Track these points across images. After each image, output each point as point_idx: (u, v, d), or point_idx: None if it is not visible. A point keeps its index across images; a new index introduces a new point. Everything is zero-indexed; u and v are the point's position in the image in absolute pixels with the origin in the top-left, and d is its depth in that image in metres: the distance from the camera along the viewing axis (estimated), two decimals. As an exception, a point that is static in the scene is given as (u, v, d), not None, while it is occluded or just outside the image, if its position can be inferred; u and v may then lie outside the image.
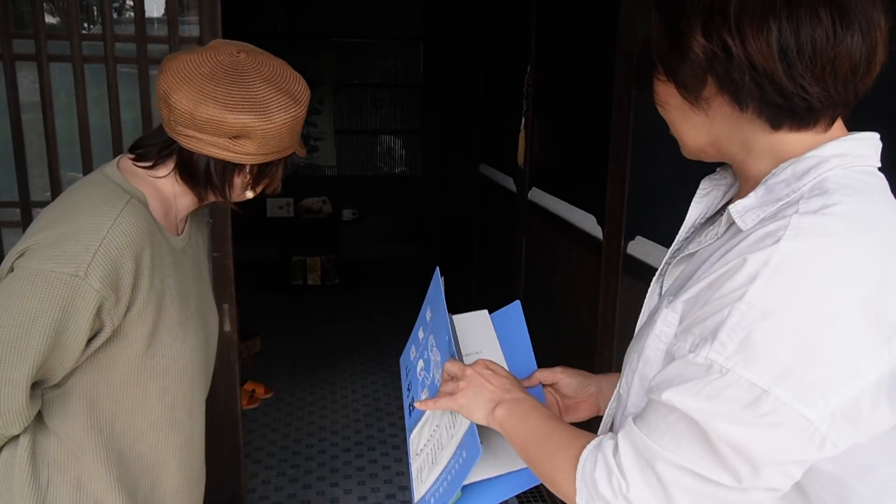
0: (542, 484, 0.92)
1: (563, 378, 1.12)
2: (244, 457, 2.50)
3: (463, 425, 0.99)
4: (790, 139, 0.76)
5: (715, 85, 0.74)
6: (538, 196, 3.18)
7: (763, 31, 0.68)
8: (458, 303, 4.46)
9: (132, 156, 1.16)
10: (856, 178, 0.73)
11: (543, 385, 1.14)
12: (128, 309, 1.09)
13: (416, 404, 1.06)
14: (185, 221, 1.26)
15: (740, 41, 0.69)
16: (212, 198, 1.20)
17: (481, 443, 0.93)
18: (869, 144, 0.76)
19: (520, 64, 3.33)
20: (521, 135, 3.28)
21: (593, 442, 0.81)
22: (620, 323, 2.34)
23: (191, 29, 2.19)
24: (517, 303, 1.27)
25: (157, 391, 1.17)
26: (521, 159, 3.30)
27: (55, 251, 1.01)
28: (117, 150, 2.21)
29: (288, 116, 1.10)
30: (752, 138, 0.78)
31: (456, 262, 4.90)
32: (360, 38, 5.88)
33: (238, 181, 1.18)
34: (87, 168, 2.24)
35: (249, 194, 1.21)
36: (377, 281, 5.78)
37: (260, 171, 1.18)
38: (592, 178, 2.53)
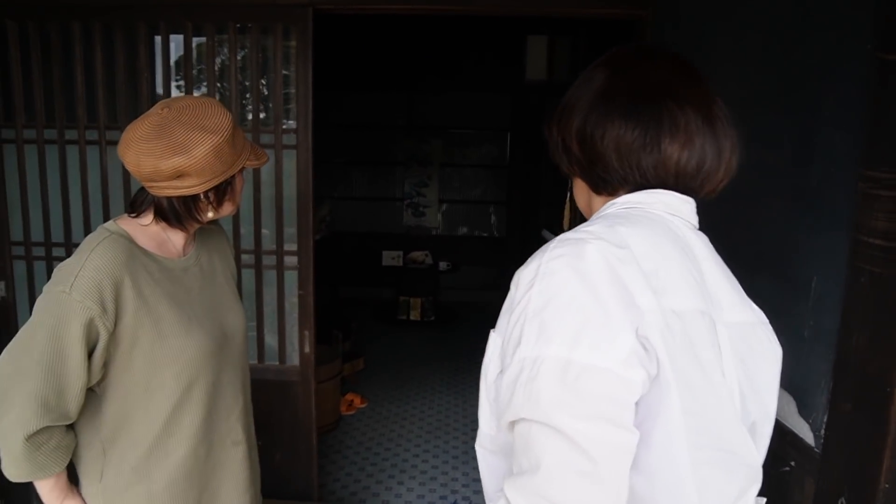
0: None
1: None
2: (317, 453, 2.48)
3: None
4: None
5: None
6: (578, 256, 3.05)
7: (569, 122, 0.78)
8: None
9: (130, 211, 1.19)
10: (628, 213, 0.74)
11: None
12: (118, 315, 1.08)
13: None
14: (191, 246, 1.25)
15: (557, 128, 0.80)
16: (193, 224, 1.19)
17: None
18: (656, 197, 0.75)
19: (568, 148, 3.26)
20: (567, 205, 3.17)
21: None
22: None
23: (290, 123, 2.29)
24: None
25: (173, 375, 1.16)
26: (565, 225, 3.19)
27: (56, 277, 1.07)
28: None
29: (206, 148, 1.07)
30: (592, 201, 0.82)
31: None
32: (461, 129, 5.97)
33: (202, 207, 1.16)
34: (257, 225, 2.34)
35: (213, 214, 1.18)
36: (466, 320, 5.71)
37: (217, 194, 1.16)
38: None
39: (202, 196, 1.14)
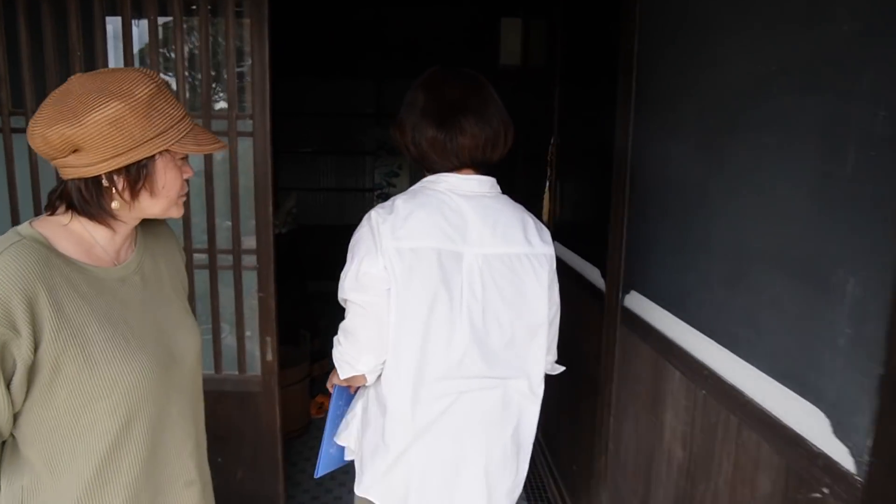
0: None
1: None
2: (283, 467, 2.29)
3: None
4: None
5: None
6: (559, 250, 2.90)
7: (404, 133, 1.28)
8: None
9: (46, 206, 0.99)
10: (418, 189, 1.26)
11: None
12: (36, 340, 0.87)
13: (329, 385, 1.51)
14: (130, 251, 1.05)
15: (399, 135, 1.29)
16: (115, 222, 0.98)
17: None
18: (441, 178, 1.25)
19: (546, 136, 3.10)
20: (546, 196, 3.02)
21: None
22: (619, 367, 2.02)
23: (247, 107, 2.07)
24: None
25: (107, 410, 0.94)
26: (545, 217, 3.04)
27: None
28: (210, 202, 2.11)
29: (101, 115, 0.86)
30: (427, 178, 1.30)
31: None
32: (432, 117, 5.79)
33: (111, 195, 0.94)
34: (211, 221, 2.12)
35: (119, 206, 0.96)
36: (440, 313, 5.55)
37: (129, 180, 0.94)
38: (598, 235, 2.24)
39: (104, 178, 0.92)
